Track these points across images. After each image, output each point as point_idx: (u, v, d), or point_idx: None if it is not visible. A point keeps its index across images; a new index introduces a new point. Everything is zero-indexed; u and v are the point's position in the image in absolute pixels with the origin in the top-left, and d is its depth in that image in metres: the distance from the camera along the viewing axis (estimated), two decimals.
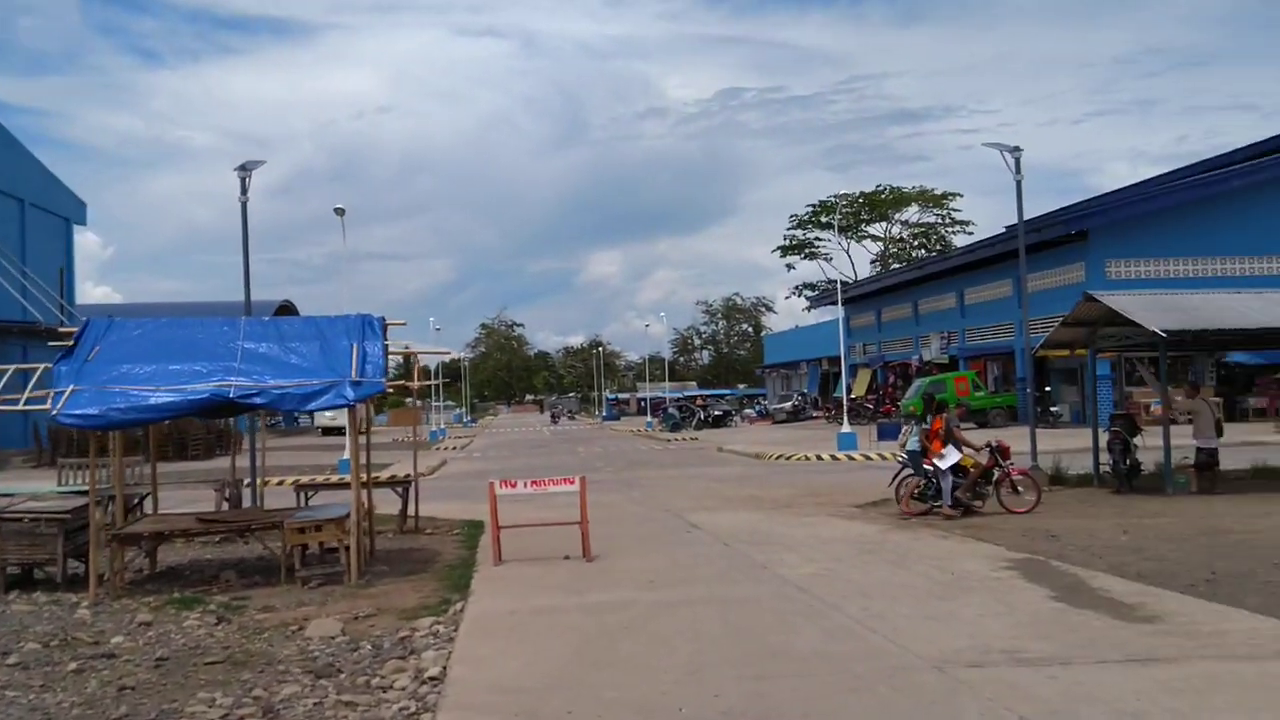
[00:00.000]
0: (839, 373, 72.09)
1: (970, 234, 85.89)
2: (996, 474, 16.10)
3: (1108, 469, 19.11)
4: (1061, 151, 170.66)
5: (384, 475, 27.98)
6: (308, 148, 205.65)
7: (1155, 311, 17.72)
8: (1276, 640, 7.45)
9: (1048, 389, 40.29)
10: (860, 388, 57.32)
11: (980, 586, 10.16)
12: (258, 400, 11.87)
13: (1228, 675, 6.58)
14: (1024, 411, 41.77)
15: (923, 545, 13.22)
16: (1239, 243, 36.54)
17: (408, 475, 18.53)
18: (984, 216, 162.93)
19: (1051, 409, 38.54)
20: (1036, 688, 6.53)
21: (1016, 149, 20.69)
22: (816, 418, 62.06)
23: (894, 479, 17.32)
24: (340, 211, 31.26)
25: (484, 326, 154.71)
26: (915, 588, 10.21)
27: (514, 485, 13.20)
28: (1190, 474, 18.12)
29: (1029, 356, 21.62)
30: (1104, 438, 19.65)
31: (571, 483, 13.16)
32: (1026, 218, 24.80)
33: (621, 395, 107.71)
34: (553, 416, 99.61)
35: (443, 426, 69.46)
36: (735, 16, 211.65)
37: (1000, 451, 16.10)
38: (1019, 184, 20.86)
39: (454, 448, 49.46)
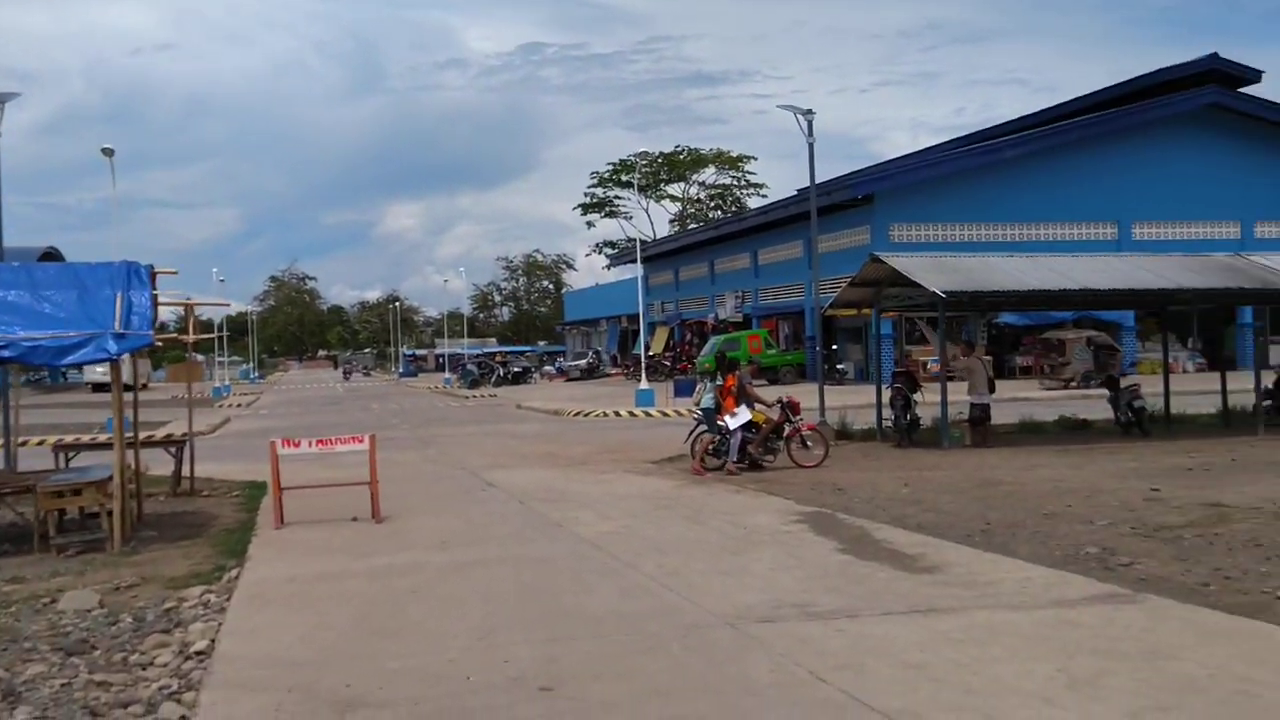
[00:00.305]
0: (638, 330, 73.13)
1: (764, 196, 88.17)
2: (787, 429, 16.45)
3: (890, 424, 19.92)
4: (850, 119, 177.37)
5: (159, 434, 26.35)
6: (78, 85, 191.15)
7: (935, 273, 18.48)
8: (1047, 589, 7.79)
9: (834, 347, 41.85)
10: (658, 345, 58.06)
11: (771, 540, 10.29)
12: (5, 354, 10.74)
13: (1004, 625, 6.81)
14: (812, 369, 43.31)
15: (717, 500, 13.35)
16: (1013, 209, 38.79)
17: (184, 434, 17.37)
18: (777, 180, 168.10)
19: (838, 366, 40.06)
20: (826, 641, 6.58)
21: (809, 112, 21.10)
22: (614, 374, 62.58)
23: (689, 435, 17.48)
24: (109, 152, 28.96)
25: (274, 279, 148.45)
26: (709, 543, 10.24)
27: (297, 445, 12.52)
28: (965, 428, 19.08)
29: (818, 316, 22.22)
30: (887, 394, 20.48)
31: (360, 441, 12.60)
32: (817, 181, 25.55)
33: (419, 351, 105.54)
34: (345, 373, 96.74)
35: (227, 383, 66.25)
36: None
37: (791, 407, 16.45)
38: (811, 146, 21.32)
39: (239, 405, 47.23)
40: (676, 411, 30.60)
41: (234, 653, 6.95)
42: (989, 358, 28.19)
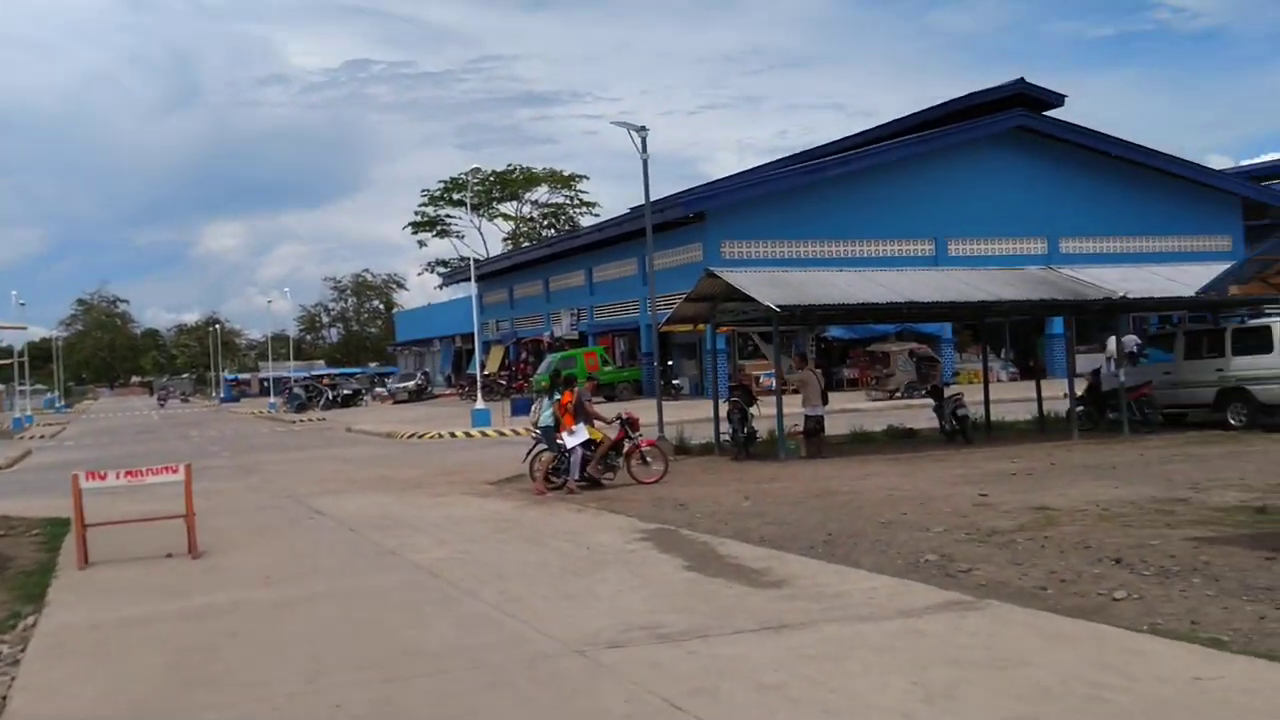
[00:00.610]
0: (472, 349, 72.06)
1: (597, 215, 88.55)
2: (626, 446, 16.27)
3: (727, 437, 20.00)
4: (678, 140, 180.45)
5: None
6: None
7: (769, 288, 18.69)
8: (892, 598, 7.77)
9: (670, 363, 42.10)
10: (493, 364, 57.28)
11: (615, 560, 10.02)
12: None
13: (855, 638, 6.72)
14: (649, 385, 43.50)
15: (558, 521, 13.01)
16: (837, 226, 39.91)
17: None
18: (610, 199, 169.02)
19: (673, 382, 40.31)
20: (678, 664, 6.33)
21: (643, 128, 21.10)
22: (448, 395, 61.45)
23: (528, 455, 17.10)
24: None
25: (81, 303, 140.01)
26: (551, 565, 9.89)
27: (103, 477, 11.55)
28: (800, 440, 19.32)
29: (655, 332, 22.19)
30: (724, 408, 20.58)
31: (175, 471, 11.71)
32: (651, 200, 25.68)
33: (242, 375, 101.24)
34: (160, 399, 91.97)
35: (29, 413, 61.87)
36: None
37: (630, 424, 16.28)
38: (645, 163, 21.31)
39: (42, 436, 44.11)
40: (514, 430, 30.12)
41: (28, 712, 6.21)
42: (819, 370, 28.77)
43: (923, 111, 43.27)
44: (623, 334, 47.84)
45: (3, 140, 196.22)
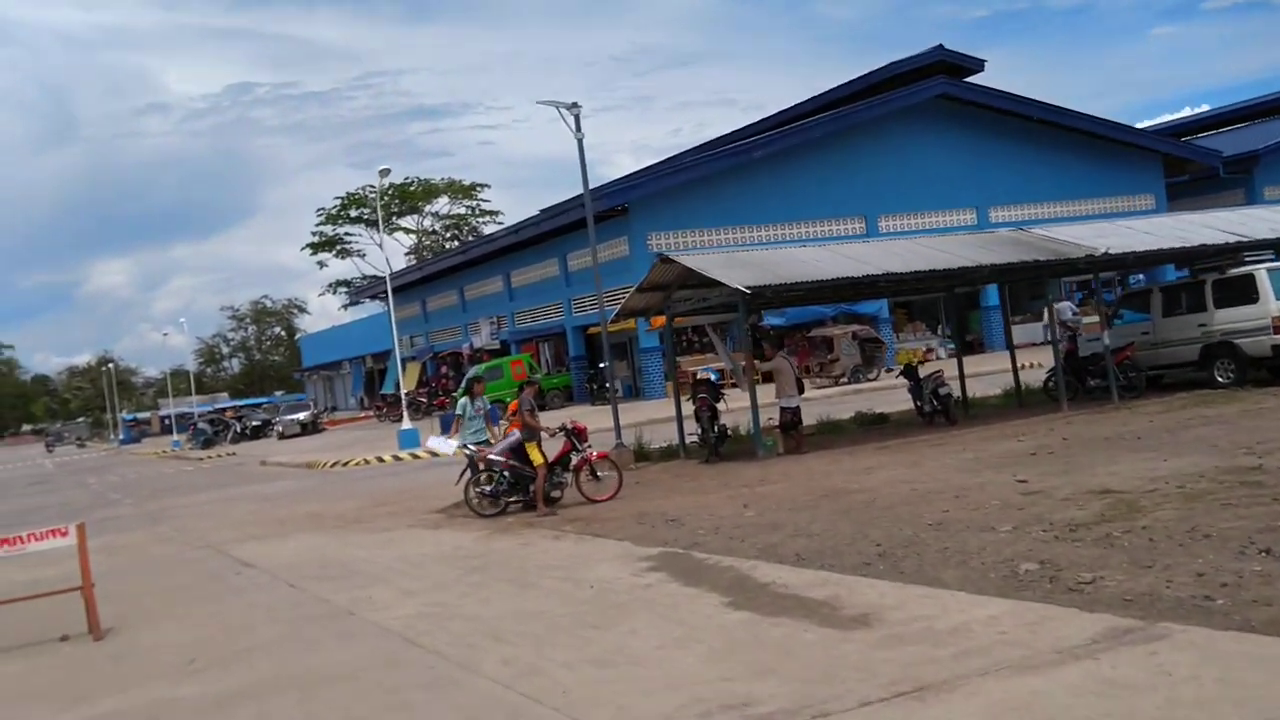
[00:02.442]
0: (384, 369, 69.07)
1: (500, 223, 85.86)
2: (574, 459, 14.33)
3: (695, 438, 18.19)
4: (573, 145, 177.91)
5: None
6: None
7: (732, 269, 16.91)
8: (1033, 632, 5.97)
9: (603, 365, 40.15)
10: (411, 381, 54.58)
11: (634, 600, 8.08)
12: None
13: (1038, 701, 4.89)
14: (580, 390, 41.49)
15: (536, 552, 11.01)
16: (766, 210, 38.39)
17: None
18: (510, 208, 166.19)
19: (605, 385, 38.29)
20: None
21: (575, 105, 19.15)
22: (364, 417, 58.55)
23: (460, 478, 15.15)
24: None
25: None
26: (556, 615, 7.90)
27: None
28: (776, 435, 17.58)
29: (605, 330, 20.29)
30: (688, 407, 18.77)
31: (64, 534, 9.40)
32: (567, 198, 23.84)
33: (141, 415, 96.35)
34: (47, 445, 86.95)
35: None
36: (238, 8, 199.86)
37: (576, 434, 14.32)
38: (580, 142, 19.37)
39: None
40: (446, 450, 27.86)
41: None
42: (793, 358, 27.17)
43: (845, 84, 41.98)
44: (547, 339, 45.74)
45: None
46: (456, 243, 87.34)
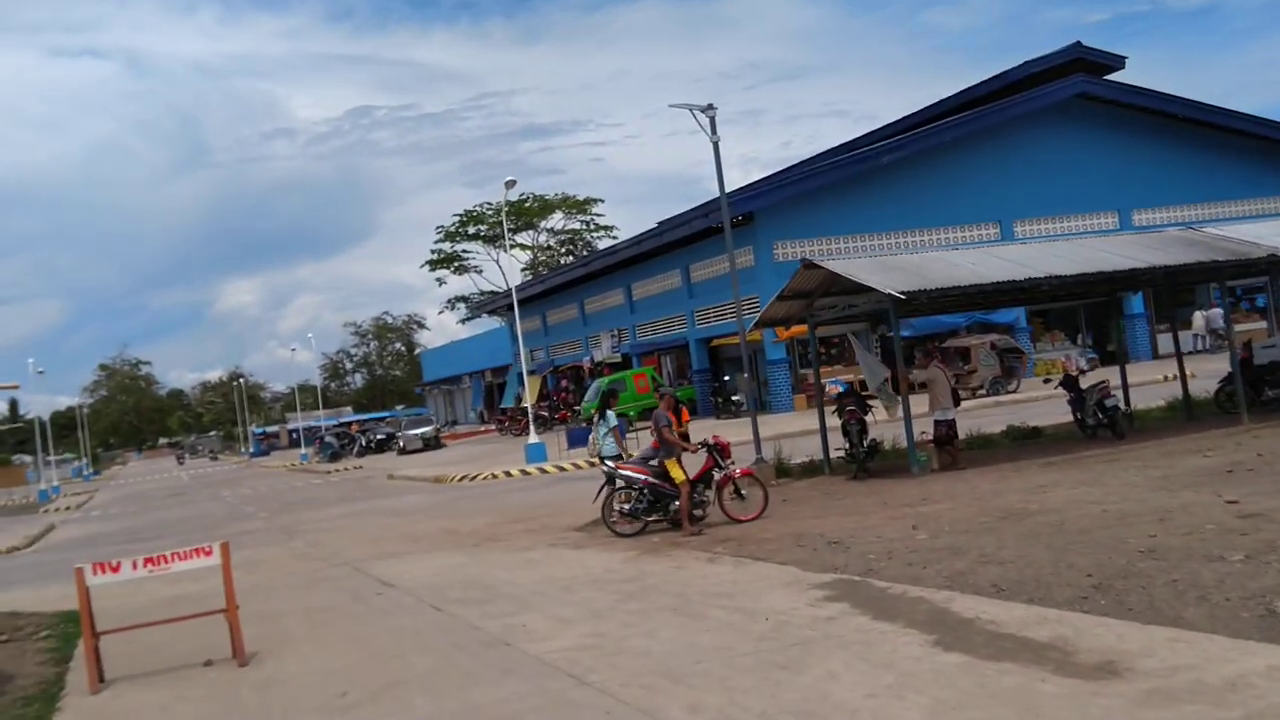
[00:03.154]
0: (503, 384, 69.45)
1: (615, 238, 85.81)
2: (717, 476, 13.52)
3: (842, 453, 17.23)
4: (684, 160, 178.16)
5: None
6: None
7: (880, 274, 15.93)
8: None
9: (726, 378, 39.31)
10: (532, 395, 54.64)
11: (820, 637, 7.25)
12: None
13: None
14: (704, 403, 40.68)
15: (694, 577, 10.25)
16: (896, 217, 37.09)
17: None
18: (621, 223, 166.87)
19: (732, 398, 37.42)
20: None
21: (710, 107, 18.41)
22: (484, 430, 58.79)
23: (598, 494, 14.48)
24: None
25: (104, 368, 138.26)
26: (737, 653, 7.12)
27: (117, 568, 8.85)
28: (930, 450, 16.49)
29: (743, 340, 19.41)
30: (833, 419, 17.83)
31: (208, 553, 9.02)
32: (691, 207, 23.17)
33: (270, 429, 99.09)
34: (178, 458, 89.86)
35: (56, 484, 59.68)
36: (357, 35, 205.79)
37: (719, 450, 13.51)
38: (716, 145, 18.62)
39: (67, 508, 41.65)
40: (574, 465, 27.40)
41: None
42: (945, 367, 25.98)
43: (978, 85, 40.31)
44: (669, 351, 45.01)
45: (19, 216, 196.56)
46: (571, 258, 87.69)
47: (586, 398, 41.00)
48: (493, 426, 60.24)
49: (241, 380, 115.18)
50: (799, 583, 9.21)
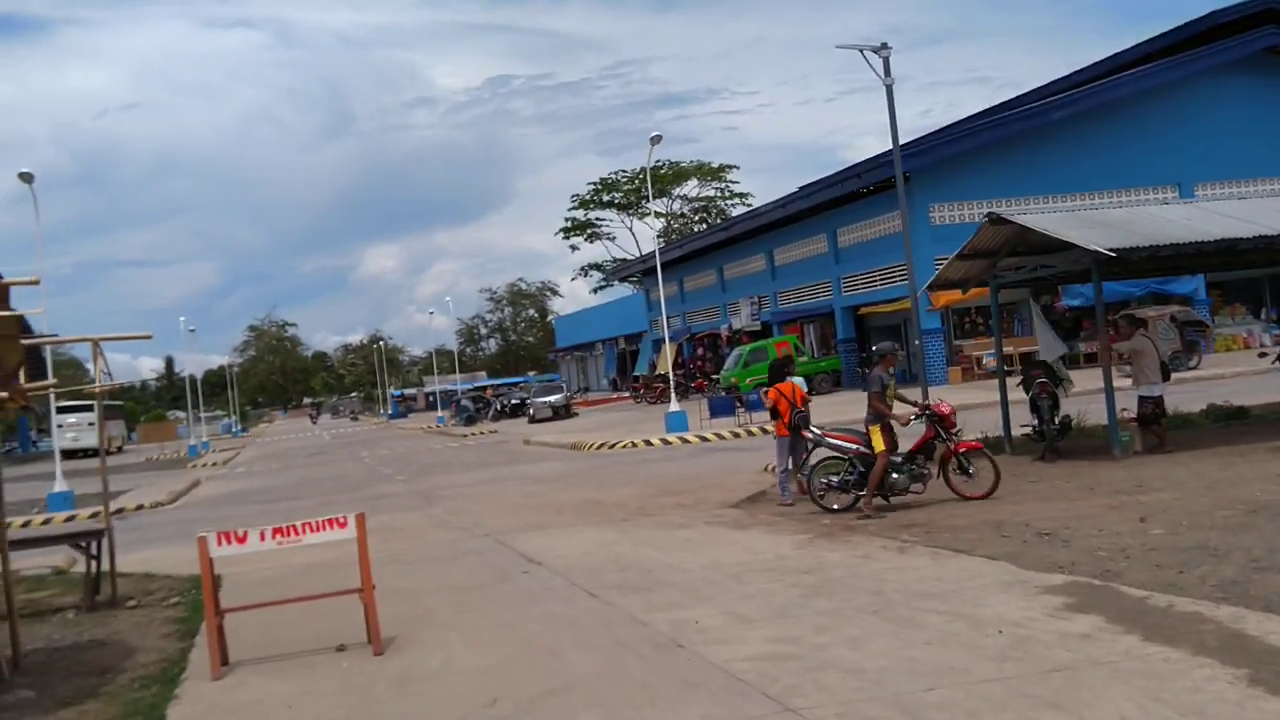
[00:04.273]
0: (636, 351, 68.54)
1: (749, 205, 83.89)
2: (940, 448, 12.01)
3: (1030, 430, 15.47)
4: (818, 128, 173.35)
5: (84, 515, 21.78)
6: (48, 151, 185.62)
7: (1084, 230, 14.07)
8: None
9: (874, 348, 37.33)
10: (665, 363, 53.55)
11: (1086, 663, 5.77)
12: None
13: None
14: (850, 374, 38.87)
15: (886, 569, 8.83)
16: (1062, 178, 34.50)
17: (98, 520, 12.86)
18: (755, 191, 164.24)
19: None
20: None
21: (884, 46, 16.72)
22: (615, 398, 57.99)
23: (803, 459, 13.12)
24: (27, 178, 24.35)
25: (253, 328, 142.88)
26: (977, 678, 5.70)
27: (244, 539, 7.92)
28: (1133, 429, 14.61)
29: (916, 303, 17.83)
30: (1009, 392, 16.09)
31: (342, 525, 8.03)
32: (842, 167, 21.39)
33: (408, 391, 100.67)
34: (311, 418, 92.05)
35: (205, 439, 61.39)
36: (496, 4, 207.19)
37: (941, 420, 12.00)
38: (889, 89, 16.94)
39: (214, 464, 42.44)
40: (717, 435, 26.14)
41: None
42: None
43: (1156, 38, 37.15)
44: (812, 320, 43.23)
45: (175, 181, 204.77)
46: (705, 225, 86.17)
47: (726, 366, 39.66)
48: (625, 394, 59.48)
49: (381, 343, 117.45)
50: (1022, 584, 7.72)
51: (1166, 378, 14.88)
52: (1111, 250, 13.03)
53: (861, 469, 11.99)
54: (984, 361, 35.02)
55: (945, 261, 16.43)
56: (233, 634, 8.06)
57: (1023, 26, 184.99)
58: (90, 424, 64.91)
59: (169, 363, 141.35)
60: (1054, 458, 14.70)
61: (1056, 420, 14.93)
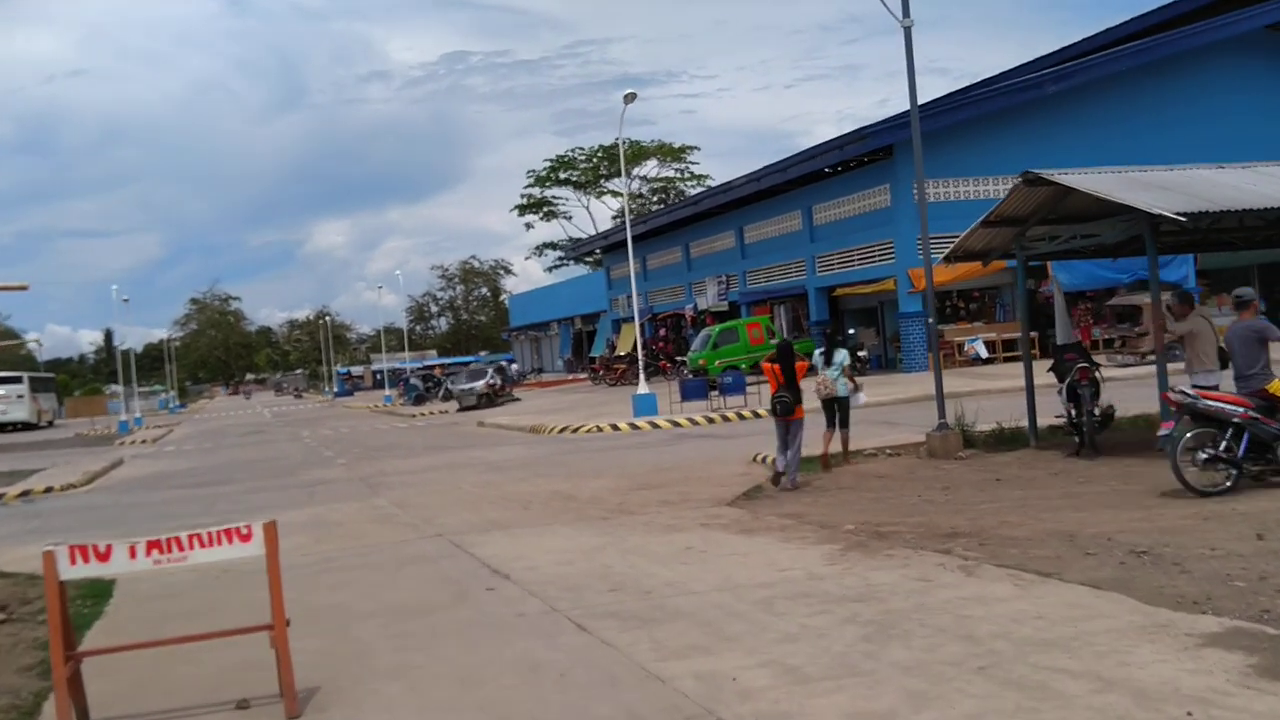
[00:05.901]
0: (593, 331, 66.31)
1: (708, 187, 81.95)
2: None
3: (1064, 422, 13.61)
4: (776, 114, 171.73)
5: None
6: None
7: (1137, 192, 12.20)
8: None
9: (851, 331, 35.58)
10: (625, 344, 51.41)
11: None
12: None
13: None
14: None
15: (961, 600, 6.83)
16: (1055, 155, 32.59)
17: None
18: (714, 175, 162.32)
19: (859, 354, 33.72)
20: None
21: None
22: (571, 380, 55.82)
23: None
24: None
25: (194, 301, 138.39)
26: None
27: (105, 556, 5.72)
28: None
29: (930, 278, 15.89)
30: (1044, 376, 14.22)
31: (245, 538, 5.85)
32: (822, 140, 19.33)
33: (355, 369, 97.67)
34: (244, 394, 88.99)
35: (139, 415, 58.27)
36: None
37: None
38: (908, 30, 14.94)
39: (144, 441, 39.67)
40: (690, 420, 24.12)
41: None
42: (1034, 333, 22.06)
43: (1152, 12, 35.60)
44: (784, 300, 41.26)
45: (121, 150, 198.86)
46: (663, 206, 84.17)
47: (694, 347, 37.62)
48: (581, 375, 57.32)
49: (328, 319, 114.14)
50: (1164, 630, 5.75)
51: (1225, 365, 13.06)
52: (1181, 214, 11.15)
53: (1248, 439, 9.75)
54: (965, 348, 33.34)
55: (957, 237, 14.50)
56: (106, 674, 5.93)
57: (987, 17, 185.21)
58: (19, 396, 61.57)
59: (108, 335, 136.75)
60: (1092, 454, 12.89)
61: (1098, 411, 13.08)
